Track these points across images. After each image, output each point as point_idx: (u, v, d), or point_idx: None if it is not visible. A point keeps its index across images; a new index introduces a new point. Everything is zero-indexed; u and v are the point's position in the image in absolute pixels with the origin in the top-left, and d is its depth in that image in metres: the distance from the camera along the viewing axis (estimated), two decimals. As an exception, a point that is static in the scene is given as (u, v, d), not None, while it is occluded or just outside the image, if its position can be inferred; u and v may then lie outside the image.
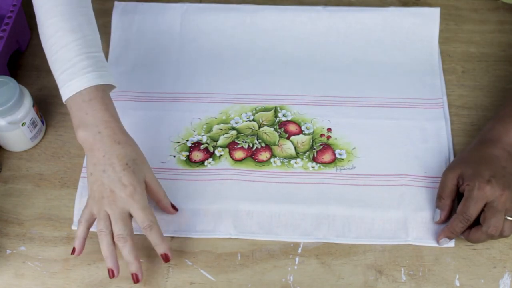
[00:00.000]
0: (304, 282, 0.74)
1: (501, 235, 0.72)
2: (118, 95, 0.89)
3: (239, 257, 0.76)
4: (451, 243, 0.75)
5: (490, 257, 0.75)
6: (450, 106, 0.87)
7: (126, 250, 0.70)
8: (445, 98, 0.88)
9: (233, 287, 0.73)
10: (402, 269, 0.74)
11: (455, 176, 0.75)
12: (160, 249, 0.72)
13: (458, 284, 0.73)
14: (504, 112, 0.79)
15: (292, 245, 0.76)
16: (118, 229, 0.70)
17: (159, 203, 0.76)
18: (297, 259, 0.75)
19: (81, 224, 0.72)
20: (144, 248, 0.76)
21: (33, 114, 0.82)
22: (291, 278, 0.74)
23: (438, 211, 0.76)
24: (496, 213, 0.71)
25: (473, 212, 0.72)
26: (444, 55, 0.93)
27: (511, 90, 0.88)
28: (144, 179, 0.72)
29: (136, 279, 0.71)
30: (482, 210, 0.72)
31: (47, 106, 0.89)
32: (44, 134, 0.86)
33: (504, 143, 0.76)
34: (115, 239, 0.70)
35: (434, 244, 0.75)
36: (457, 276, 0.73)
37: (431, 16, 0.93)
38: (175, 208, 0.77)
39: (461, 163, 0.76)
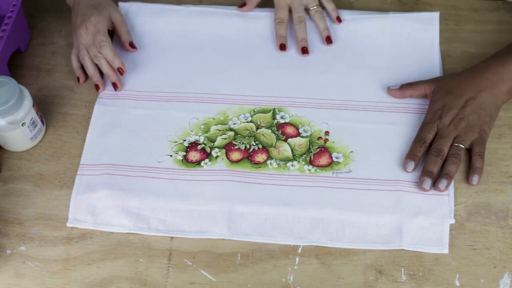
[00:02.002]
0: (304, 282, 0.74)
1: (451, 158, 0.79)
2: (118, 93, 0.89)
3: (239, 257, 0.76)
4: (445, 250, 0.75)
5: (490, 257, 0.75)
6: (450, 106, 0.87)
7: (105, 50, 0.86)
8: None
9: (233, 287, 0.74)
10: (402, 269, 0.74)
11: (430, 88, 0.85)
12: (115, 63, 0.87)
13: (458, 284, 0.73)
14: (502, 51, 0.84)
15: (292, 245, 0.76)
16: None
17: (120, 39, 0.92)
18: (297, 259, 0.75)
19: (72, 59, 0.91)
20: (144, 248, 0.76)
21: (33, 114, 0.82)
22: (291, 278, 0.74)
23: (397, 86, 0.86)
24: (439, 139, 0.80)
25: (426, 135, 0.80)
26: (444, 55, 0.93)
27: None
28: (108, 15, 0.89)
29: (121, 72, 0.88)
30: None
31: (47, 106, 0.89)
32: (44, 134, 0.86)
33: (492, 71, 0.82)
34: (97, 47, 0.87)
35: (428, 250, 0.75)
36: (457, 276, 0.73)
37: (430, 21, 0.93)
38: (133, 46, 0.91)
39: (441, 84, 0.84)
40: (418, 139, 0.81)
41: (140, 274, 0.74)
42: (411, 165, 0.79)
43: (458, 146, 0.79)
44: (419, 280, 0.73)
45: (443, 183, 0.77)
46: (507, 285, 0.73)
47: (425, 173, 0.78)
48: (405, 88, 0.86)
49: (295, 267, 0.75)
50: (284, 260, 0.75)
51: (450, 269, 0.74)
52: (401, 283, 0.73)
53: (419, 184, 0.78)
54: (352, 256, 0.75)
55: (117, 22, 0.90)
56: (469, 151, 0.80)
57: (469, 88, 0.82)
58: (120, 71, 0.88)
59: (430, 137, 0.80)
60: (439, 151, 0.79)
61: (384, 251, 0.75)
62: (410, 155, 0.80)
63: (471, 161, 0.80)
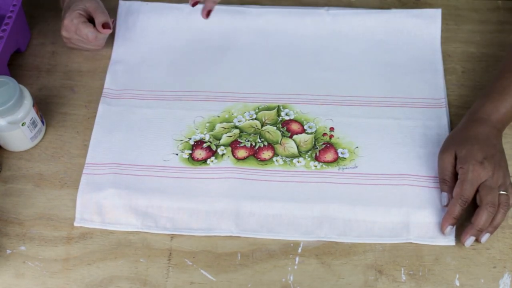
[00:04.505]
0: (304, 282, 0.74)
1: (502, 209, 0.73)
2: (122, 93, 0.89)
3: (239, 257, 0.76)
4: (452, 242, 0.75)
5: (490, 257, 0.75)
6: (450, 106, 0.87)
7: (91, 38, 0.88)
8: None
9: (233, 287, 0.74)
10: (402, 269, 0.74)
11: (451, 157, 0.77)
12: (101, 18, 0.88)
13: (458, 284, 0.73)
14: (492, 88, 0.80)
15: (292, 245, 0.76)
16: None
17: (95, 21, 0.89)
18: (297, 259, 0.75)
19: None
20: (144, 248, 0.76)
21: (33, 114, 0.82)
22: (291, 278, 0.74)
23: (444, 194, 0.76)
24: (490, 191, 0.73)
25: (470, 194, 0.74)
26: (444, 55, 0.93)
27: (500, 66, 0.85)
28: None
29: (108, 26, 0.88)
30: (477, 190, 0.74)
31: (47, 106, 0.89)
32: (44, 134, 0.86)
33: (493, 121, 0.78)
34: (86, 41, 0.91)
35: (435, 243, 0.75)
36: (457, 276, 0.73)
37: (433, 17, 0.94)
38: (105, 27, 0.88)
39: (454, 143, 0.78)
40: (462, 200, 0.73)
41: (140, 274, 0.75)
42: (450, 229, 0.74)
43: (504, 194, 0.74)
44: (419, 280, 0.73)
45: (486, 236, 0.74)
46: (507, 285, 0.73)
47: (474, 230, 0.73)
48: (449, 187, 0.77)
49: (295, 267, 0.75)
50: (284, 260, 0.75)
51: (450, 269, 0.74)
52: (401, 283, 0.73)
53: (461, 239, 0.74)
54: (352, 256, 0.75)
55: (92, 9, 0.89)
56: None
57: (488, 136, 0.77)
58: (107, 26, 0.88)
59: (473, 195, 0.74)
60: (493, 206, 0.73)
61: (384, 251, 0.75)
62: (450, 219, 0.74)
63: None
